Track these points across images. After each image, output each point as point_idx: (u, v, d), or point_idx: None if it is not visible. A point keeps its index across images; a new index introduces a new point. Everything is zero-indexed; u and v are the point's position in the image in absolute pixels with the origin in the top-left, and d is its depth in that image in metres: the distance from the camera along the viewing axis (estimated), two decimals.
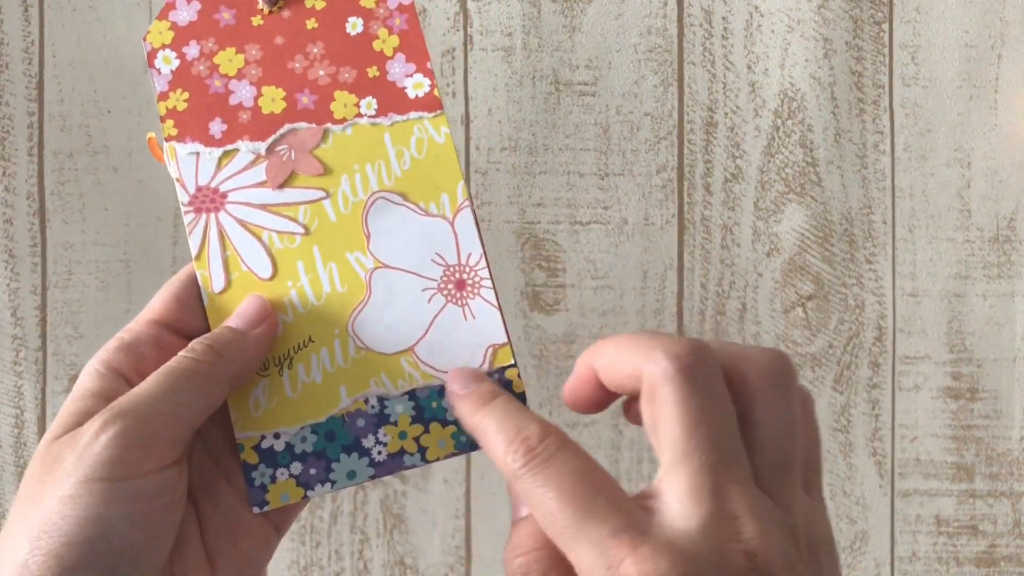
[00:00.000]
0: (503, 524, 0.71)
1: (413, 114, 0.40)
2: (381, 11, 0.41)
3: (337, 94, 0.41)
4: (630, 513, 0.31)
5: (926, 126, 0.72)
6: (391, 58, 0.41)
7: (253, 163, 0.40)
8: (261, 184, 0.40)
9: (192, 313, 0.39)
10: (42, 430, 0.72)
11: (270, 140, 0.40)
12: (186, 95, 0.41)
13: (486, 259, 0.40)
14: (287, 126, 0.40)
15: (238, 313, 0.39)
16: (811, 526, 0.32)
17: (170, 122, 0.41)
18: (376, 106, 0.40)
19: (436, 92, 0.41)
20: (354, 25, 0.41)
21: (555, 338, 0.71)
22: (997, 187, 0.72)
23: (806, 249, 0.72)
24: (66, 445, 0.35)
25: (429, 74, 0.41)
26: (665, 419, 0.32)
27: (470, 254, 0.40)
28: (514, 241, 0.71)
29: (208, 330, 0.39)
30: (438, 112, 0.40)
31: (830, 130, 0.72)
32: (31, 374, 0.72)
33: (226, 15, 0.41)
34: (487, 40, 0.72)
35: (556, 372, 0.71)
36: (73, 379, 0.72)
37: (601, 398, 0.35)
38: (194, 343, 0.37)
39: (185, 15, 0.41)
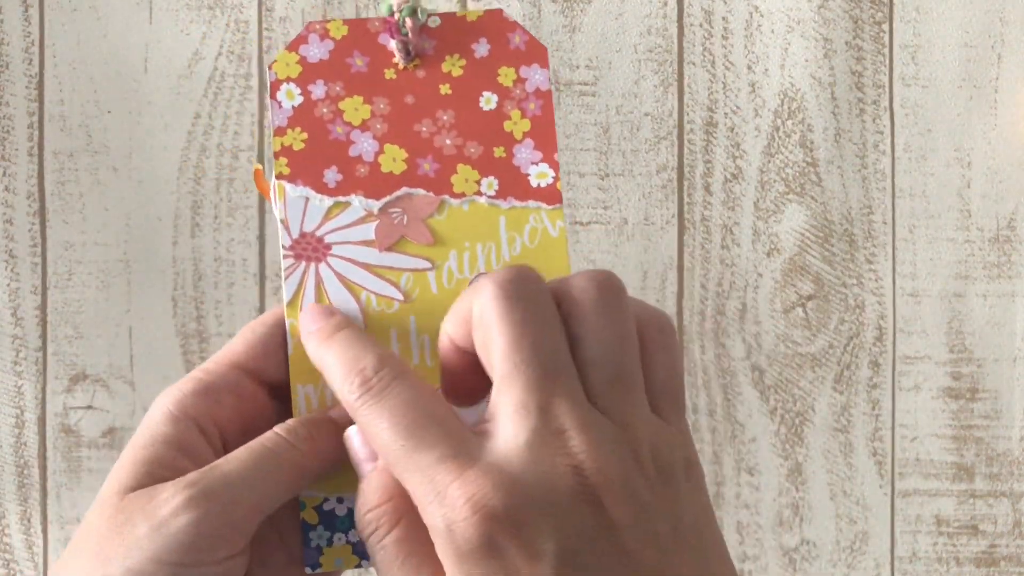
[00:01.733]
0: None
1: (532, 203, 0.39)
2: (518, 92, 0.40)
3: (460, 167, 0.39)
4: (461, 439, 0.31)
5: (926, 126, 0.72)
6: (520, 142, 0.40)
7: (363, 220, 0.39)
8: (368, 243, 0.39)
9: (275, 362, 0.37)
10: (42, 430, 0.72)
11: (385, 200, 0.39)
12: (305, 135, 0.39)
13: None
14: (404, 189, 0.39)
15: (343, 412, 0.36)
16: (660, 446, 0.31)
17: (284, 160, 0.39)
18: (497, 187, 0.39)
19: (559, 185, 0.39)
20: (488, 100, 0.40)
21: None
22: (997, 187, 0.72)
23: (806, 249, 0.72)
24: (140, 510, 0.33)
25: (555, 165, 0.39)
26: (491, 337, 0.31)
27: None
28: None
29: (288, 382, 0.38)
30: (557, 205, 0.39)
31: (830, 130, 0.72)
32: (31, 374, 0.72)
33: (359, 61, 0.40)
34: None
35: None
36: (73, 379, 0.72)
37: (476, 380, 0.34)
38: (295, 426, 0.36)
39: (316, 52, 0.40)
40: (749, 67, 0.72)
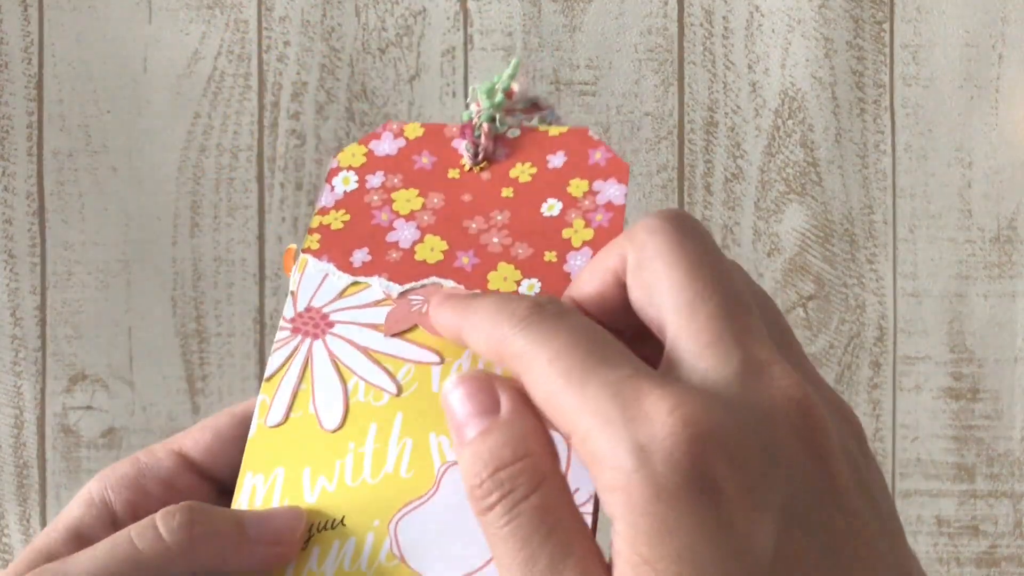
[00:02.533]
0: None
1: None
2: (587, 203, 0.36)
3: (501, 265, 0.35)
4: (648, 367, 0.25)
5: (927, 126, 0.72)
6: (577, 250, 0.35)
7: (379, 303, 0.35)
8: (375, 326, 0.34)
9: (228, 457, 0.33)
10: (41, 430, 0.72)
11: (408, 286, 0.35)
12: (347, 217, 0.36)
13: (596, 504, 0.30)
14: (433, 278, 0.35)
15: (262, 515, 0.31)
16: (822, 393, 0.27)
17: (316, 236, 0.36)
18: (538, 290, 0.34)
19: None
20: (551, 207, 0.36)
21: None
22: (998, 187, 0.71)
23: (807, 249, 0.72)
24: None
25: None
26: (660, 271, 0.27)
27: (578, 489, 0.30)
28: None
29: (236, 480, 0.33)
30: None
31: (831, 130, 0.71)
32: (30, 374, 0.72)
33: (425, 159, 0.37)
34: (487, 40, 0.72)
35: None
36: (73, 379, 0.72)
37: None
38: (176, 509, 0.30)
39: (385, 148, 0.37)
40: (750, 67, 0.72)
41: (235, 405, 0.34)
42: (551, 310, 0.27)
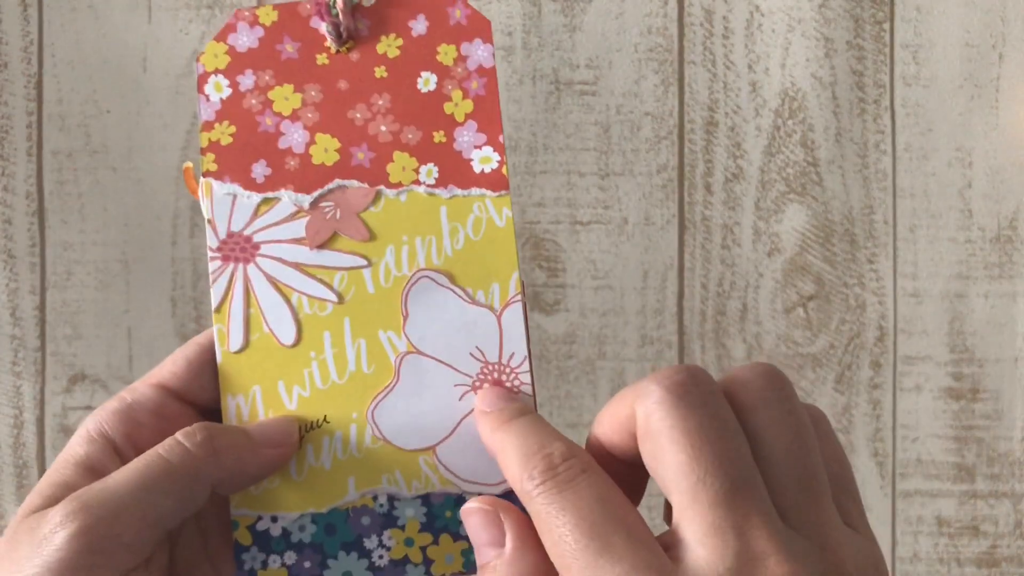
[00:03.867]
0: None
1: (475, 190, 0.37)
2: (459, 70, 0.37)
3: (396, 155, 0.37)
4: (652, 553, 0.27)
5: (927, 126, 0.71)
6: (461, 124, 0.37)
7: (293, 216, 0.37)
8: (298, 241, 0.36)
9: (204, 381, 0.36)
10: (40, 431, 0.72)
11: (316, 194, 0.37)
12: (232, 129, 0.37)
13: (530, 363, 0.36)
14: (337, 181, 0.37)
15: (261, 425, 0.35)
16: (864, 567, 0.28)
17: (211, 156, 0.37)
18: (437, 175, 0.36)
19: (505, 170, 0.37)
20: (427, 81, 0.37)
21: (555, 338, 0.71)
22: (998, 187, 0.71)
23: (807, 249, 0.71)
24: (28, 530, 0.31)
25: (500, 149, 0.37)
26: (665, 448, 0.28)
27: (513, 354, 0.36)
28: None
29: (218, 403, 0.36)
30: (503, 192, 0.36)
31: (831, 130, 0.71)
32: (30, 374, 0.72)
33: (289, 47, 0.37)
34: None
35: (556, 372, 0.71)
36: (72, 380, 0.72)
37: (624, 489, 0.30)
38: (194, 429, 0.34)
39: (245, 40, 0.37)
40: (750, 66, 0.71)
41: (200, 334, 0.36)
42: (564, 476, 0.29)
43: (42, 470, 0.72)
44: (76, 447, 0.34)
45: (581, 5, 0.71)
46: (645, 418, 0.29)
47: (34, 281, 0.72)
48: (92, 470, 0.34)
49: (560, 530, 0.28)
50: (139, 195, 0.71)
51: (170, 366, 0.36)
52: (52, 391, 0.72)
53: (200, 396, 0.36)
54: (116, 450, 0.34)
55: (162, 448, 0.33)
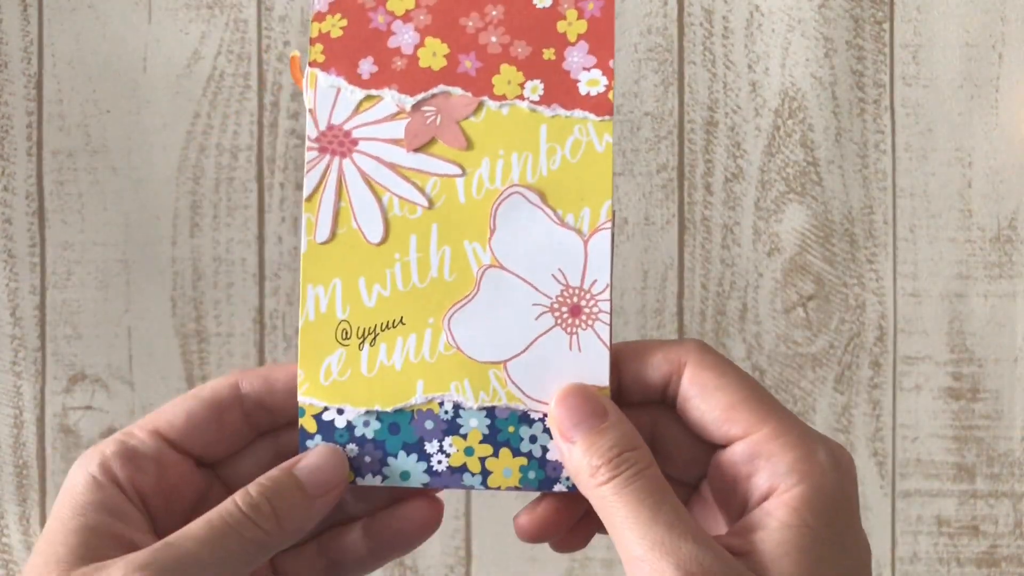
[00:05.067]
0: (503, 524, 0.71)
1: (579, 112, 0.36)
2: None
3: (503, 67, 0.37)
4: (684, 525, 0.33)
5: (927, 125, 0.71)
6: (573, 44, 0.37)
7: (394, 116, 0.37)
8: (397, 142, 0.37)
9: (201, 436, 0.36)
10: (41, 430, 0.72)
11: (419, 97, 0.37)
12: (344, 22, 0.37)
13: (611, 292, 0.37)
14: (441, 87, 0.37)
15: (312, 470, 0.35)
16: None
17: (319, 47, 0.37)
18: (542, 92, 0.36)
19: (611, 95, 0.36)
20: None
21: None
22: (998, 187, 0.71)
23: (807, 249, 0.72)
24: None
25: (609, 73, 0.36)
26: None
27: (595, 281, 0.36)
28: None
29: (214, 456, 0.36)
30: (606, 117, 0.36)
31: (831, 130, 0.71)
32: (30, 374, 0.72)
33: None
34: None
35: None
36: (72, 379, 0.72)
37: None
38: (257, 499, 0.34)
39: None
40: (750, 66, 0.71)
41: (201, 387, 0.37)
42: (622, 477, 0.33)
43: (42, 470, 0.72)
44: (87, 493, 0.34)
45: None
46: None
47: (34, 281, 0.72)
48: (116, 515, 0.33)
49: (623, 514, 0.32)
50: (139, 195, 0.71)
51: (169, 416, 0.36)
52: (52, 391, 0.72)
53: (196, 449, 0.36)
54: (126, 495, 0.34)
55: (228, 517, 0.33)
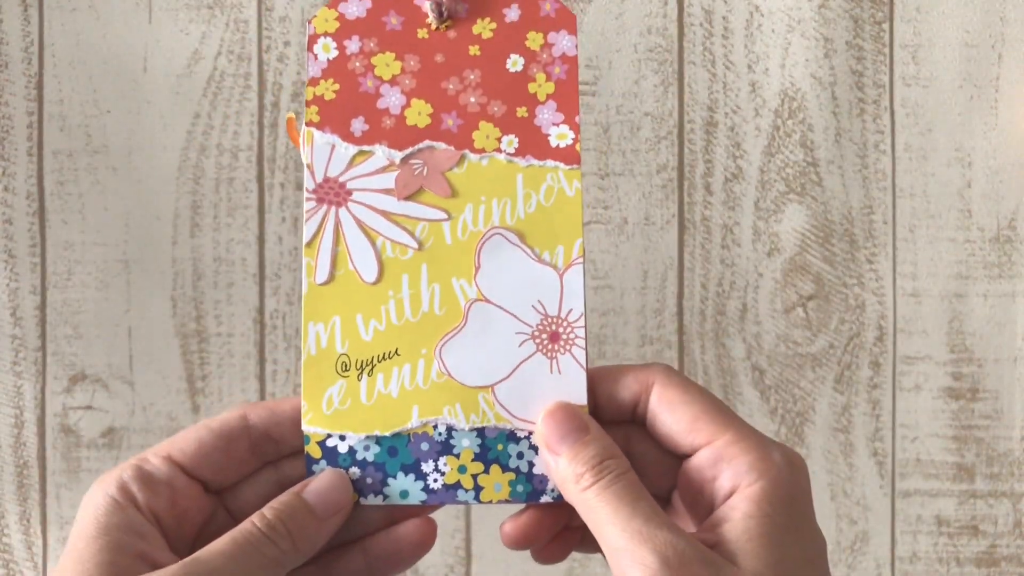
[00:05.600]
0: None
1: (550, 162, 0.41)
2: (544, 56, 0.42)
3: (482, 124, 0.41)
4: (659, 521, 0.36)
5: (927, 126, 0.72)
6: (543, 103, 0.41)
7: (384, 169, 0.41)
8: (388, 191, 0.41)
9: (211, 464, 0.39)
10: (41, 430, 0.72)
11: (407, 151, 0.41)
12: (336, 86, 0.41)
13: (585, 319, 0.41)
14: (427, 142, 0.41)
15: (320, 493, 0.39)
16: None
17: (315, 108, 0.41)
18: (517, 145, 0.41)
19: (578, 147, 0.41)
20: (515, 63, 0.42)
21: None
22: (998, 187, 0.71)
23: (807, 249, 0.72)
24: None
25: (575, 128, 0.41)
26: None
27: (571, 310, 0.41)
28: None
29: (223, 483, 0.39)
30: (575, 166, 0.41)
31: (831, 130, 0.71)
32: (30, 374, 0.72)
33: (394, 20, 0.42)
34: None
35: None
36: (73, 379, 0.72)
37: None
38: (273, 520, 0.37)
39: (354, 9, 0.42)
40: (749, 67, 0.72)
41: (211, 419, 0.39)
42: (604, 480, 0.37)
43: (42, 470, 0.72)
44: (109, 515, 0.36)
45: (581, 5, 0.71)
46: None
47: (34, 281, 0.72)
48: (140, 535, 0.36)
49: (607, 515, 0.36)
50: (139, 195, 0.71)
51: (181, 443, 0.39)
52: (53, 391, 0.72)
53: (205, 475, 0.39)
54: (143, 515, 0.37)
55: (250, 536, 0.36)
